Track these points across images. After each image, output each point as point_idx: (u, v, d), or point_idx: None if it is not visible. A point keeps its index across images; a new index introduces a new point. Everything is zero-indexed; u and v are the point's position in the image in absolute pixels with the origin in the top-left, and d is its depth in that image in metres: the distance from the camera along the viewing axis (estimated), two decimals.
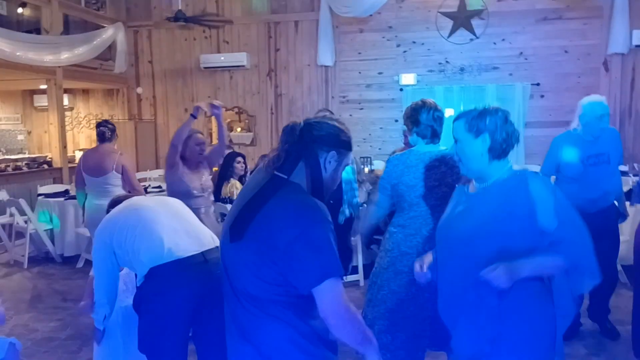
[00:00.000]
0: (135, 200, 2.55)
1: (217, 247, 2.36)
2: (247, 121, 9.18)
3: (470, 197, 1.93)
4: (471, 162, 1.88)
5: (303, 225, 1.47)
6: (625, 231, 4.94)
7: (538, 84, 7.93)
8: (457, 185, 2.10)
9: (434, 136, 2.81)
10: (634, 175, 6.58)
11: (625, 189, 5.59)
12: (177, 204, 2.58)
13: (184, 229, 2.39)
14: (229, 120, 9.38)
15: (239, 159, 5.69)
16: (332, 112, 1.70)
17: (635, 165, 7.31)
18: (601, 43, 7.74)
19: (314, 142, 1.58)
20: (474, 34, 8.11)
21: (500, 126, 1.85)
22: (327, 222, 1.50)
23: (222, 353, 2.38)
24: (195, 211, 3.58)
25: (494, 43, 8.08)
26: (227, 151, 6.88)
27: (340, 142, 1.62)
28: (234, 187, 5.49)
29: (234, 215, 1.59)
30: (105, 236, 2.37)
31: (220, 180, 5.67)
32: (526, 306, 1.79)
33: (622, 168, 7.16)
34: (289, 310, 1.52)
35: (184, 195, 3.53)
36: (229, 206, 5.30)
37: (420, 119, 2.79)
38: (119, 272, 2.46)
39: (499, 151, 1.85)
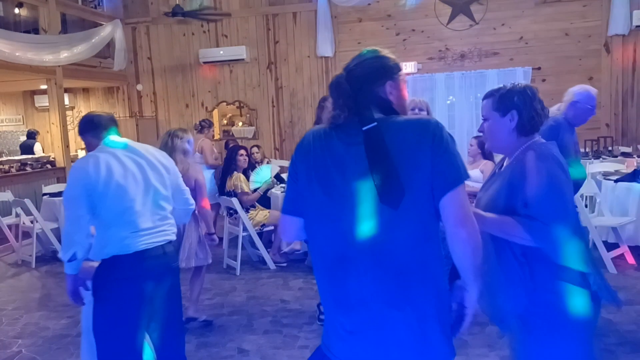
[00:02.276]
0: (128, 174, 2.43)
1: (171, 242, 2.49)
2: (248, 115, 9.17)
3: (500, 173, 1.98)
4: (498, 139, 1.93)
5: (430, 136, 1.42)
6: (632, 211, 4.94)
7: (539, 68, 7.90)
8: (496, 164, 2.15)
9: None
10: (638, 157, 6.57)
11: (629, 170, 5.59)
12: (158, 182, 2.50)
13: (151, 213, 2.42)
14: (230, 115, 9.39)
15: (242, 151, 5.70)
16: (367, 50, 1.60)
17: (639, 146, 7.29)
18: (601, 24, 7.70)
19: (367, 83, 1.50)
20: (474, 20, 8.08)
21: (528, 103, 1.87)
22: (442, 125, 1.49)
23: (177, 345, 2.55)
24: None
25: (494, 28, 8.05)
26: (231, 144, 6.90)
27: (390, 69, 1.54)
28: (238, 180, 5.50)
29: (367, 185, 1.41)
30: (98, 182, 2.33)
31: (224, 174, 5.68)
32: (558, 290, 1.78)
33: (625, 149, 7.18)
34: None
35: None
36: (234, 200, 5.32)
37: None
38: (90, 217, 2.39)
39: (527, 128, 1.88)
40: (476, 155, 4.89)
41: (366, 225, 1.42)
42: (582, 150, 7.16)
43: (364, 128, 1.44)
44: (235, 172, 5.57)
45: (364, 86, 1.49)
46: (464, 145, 7.61)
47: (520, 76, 7.83)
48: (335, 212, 1.46)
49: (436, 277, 1.46)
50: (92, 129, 2.53)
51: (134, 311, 2.34)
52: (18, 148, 10.21)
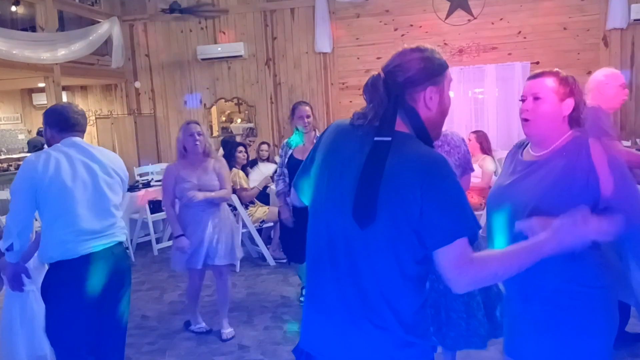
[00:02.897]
0: (72, 175, 2.43)
1: (120, 243, 2.54)
2: (247, 112, 9.16)
3: (529, 165, 1.83)
4: (546, 123, 1.77)
5: (431, 182, 1.31)
6: None
7: (537, 63, 7.88)
8: (508, 153, 2.01)
9: None
10: (637, 150, 6.57)
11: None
12: (109, 188, 2.53)
13: (98, 219, 2.45)
14: (228, 111, 9.37)
15: (240, 148, 5.70)
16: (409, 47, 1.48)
17: (638, 140, 7.30)
18: (600, 18, 7.69)
19: (405, 88, 1.39)
20: (472, 15, 8.06)
21: (581, 95, 1.79)
22: (454, 173, 1.38)
23: (121, 344, 2.61)
24: (196, 208, 3.65)
25: (492, 23, 8.03)
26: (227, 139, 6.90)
27: (434, 71, 1.42)
28: (237, 177, 5.50)
29: (350, 199, 1.35)
30: (44, 179, 2.35)
31: None
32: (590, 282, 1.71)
33: (625, 143, 7.18)
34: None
35: (187, 197, 3.64)
36: (233, 196, 5.31)
37: None
38: (34, 213, 2.46)
39: (577, 119, 1.79)
40: (475, 150, 4.89)
41: (338, 238, 1.39)
42: None
43: (376, 138, 1.36)
44: (234, 169, 5.57)
45: (401, 93, 1.38)
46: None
47: (518, 71, 7.83)
48: (324, 210, 1.44)
49: (401, 302, 1.37)
50: (57, 124, 2.52)
51: (83, 313, 2.40)
52: (16, 147, 10.19)
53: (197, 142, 3.63)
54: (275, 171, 6.35)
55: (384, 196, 1.31)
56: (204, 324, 3.91)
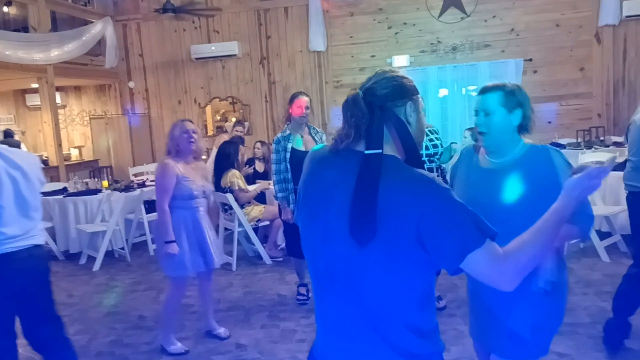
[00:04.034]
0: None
1: (38, 245, 2.66)
2: (241, 111, 9.15)
3: (488, 172, 1.97)
4: (501, 135, 1.92)
5: (428, 203, 1.28)
6: (624, 200, 4.98)
7: (531, 60, 7.93)
8: (462, 151, 2.15)
9: None
10: None
11: (621, 159, 5.63)
12: (30, 183, 2.65)
13: (19, 219, 2.58)
14: (223, 110, 9.36)
15: (242, 148, 5.79)
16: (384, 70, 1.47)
17: None
18: (592, 15, 7.74)
19: (385, 102, 1.39)
20: (465, 12, 8.09)
21: (529, 104, 1.93)
22: (447, 188, 1.34)
23: (53, 339, 2.80)
24: (195, 210, 3.49)
25: (485, 20, 8.06)
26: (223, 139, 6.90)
27: (409, 90, 1.43)
28: (234, 177, 5.50)
29: (346, 215, 1.32)
30: None
31: (220, 170, 5.67)
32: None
33: (617, 139, 7.22)
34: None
35: (187, 197, 3.43)
36: (229, 195, 5.32)
37: None
38: None
39: (526, 128, 1.93)
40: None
41: (339, 259, 1.37)
42: (574, 140, 7.21)
43: (367, 152, 1.33)
44: (231, 169, 5.56)
45: (385, 104, 1.38)
46: (457, 137, 7.64)
47: (512, 68, 7.86)
48: (317, 238, 1.43)
49: (407, 320, 1.37)
50: None
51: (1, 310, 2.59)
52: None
53: (193, 141, 3.46)
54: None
55: (380, 213, 1.29)
56: (180, 345, 3.60)
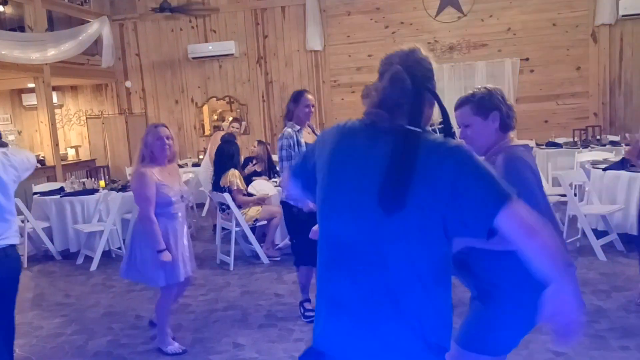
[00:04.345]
0: None
1: (13, 245, 2.76)
2: (238, 110, 9.15)
3: None
4: (485, 141, 1.98)
5: (457, 162, 1.34)
6: (620, 199, 5.00)
7: (527, 59, 7.95)
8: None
9: None
10: (626, 145, 6.63)
11: (617, 158, 5.65)
12: (4, 197, 2.74)
13: None
14: (220, 110, 9.36)
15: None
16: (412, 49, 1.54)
17: (627, 134, 7.36)
18: (588, 14, 7.76)
19: (426, 84, 1.46)
20: (462, 12, 8.10)
21: (503, 102, 1.97)
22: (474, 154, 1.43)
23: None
24: (173, 216, 3.38)
25: (482, 20, 8.08)
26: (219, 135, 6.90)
27: (433, 74, 1.53)
28: (234, 177, 5.51)
29: (377, 185, 1.36)
30: None
31: (220, 169, 5.67)
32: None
33: (614, 138, 7.24)
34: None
35: (166, 204, 3.33)
36: (226, 195, 5.31)
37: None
38: None
39: (509, 124, 1.98)
40: None
41: (364, 229, 1.38)
42: (570, 139, 7.23)
43: (408, 127, 1.38)
44: (231, 169, 5.56)
45: (422, 88, 1.44)
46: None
47: (508, 67, 7.88)
48: (339, 208, 1.43)
49: (432, 297, 1.39)
50: None
51: None
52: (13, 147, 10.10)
53: (167, 147, 3.35)
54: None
55: (412, 186, 1.33)
56: (177, 344, 3.57)
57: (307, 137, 3.89)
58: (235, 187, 5.47)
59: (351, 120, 1.54)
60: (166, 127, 3.43)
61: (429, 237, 1.36)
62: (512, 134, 2.02)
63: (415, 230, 1.35)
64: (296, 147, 3.74)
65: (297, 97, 3.86)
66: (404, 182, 1.33)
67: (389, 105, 1.42)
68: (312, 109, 3.87)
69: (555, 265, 1.32)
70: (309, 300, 3.95)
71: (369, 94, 1.56)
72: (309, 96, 3.86)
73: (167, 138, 3.35)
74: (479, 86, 2.02)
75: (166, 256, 3.28)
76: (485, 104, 1.96)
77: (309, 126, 3.99)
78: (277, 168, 3.93)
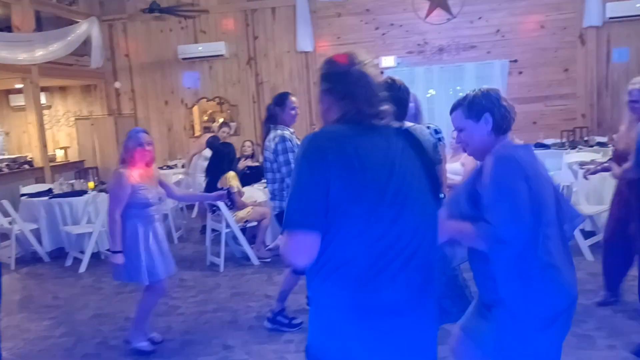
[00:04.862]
0: None
1: None
2: (229, 111, 9.13)
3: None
4: (479, 145, 1.96)
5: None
6: (607, 200, 5.04)
7: (516, 61, 8.01)
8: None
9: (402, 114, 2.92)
10: (613, 147, 6.69)
11: (604, 159, 5.70)
12: None
13: None
14: (210, 111, 9.33)
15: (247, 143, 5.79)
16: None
17: (614, 136, 7.43)
18: (576, 16, 7.83)
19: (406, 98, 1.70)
20: (451, 14, 8.15)
21: (497, 103, 1.93)
22: None
23: None
24: (150, 219, 3.43)
25: (471, 22, 8.12)
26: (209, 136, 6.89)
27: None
28: (234, 180, 5.54)
29: (419, 181, 1.52)
30: None
31: (216, 171, 5.68)
32: (513, 273, 1.82)
33: (601, 139, 7.32)
34: None
35: (143, 206, 3.39)
36: None
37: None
38: None
39: (503, 127, 1.93)
40: (457, 148, 4.94)
41: (408, 227, 1.45)
42: (558, 140, 7.29)
43: (404, 127, 1.59)
44: (230, 171, 5.59)
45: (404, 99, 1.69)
46: (446, 137, 7.68)
47: (497, 69, 7.93)
48: (387, 216, 1.40)
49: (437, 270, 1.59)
50: None
51: None
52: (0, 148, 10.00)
53: (147, 153, 3.43)
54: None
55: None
56: (147, 343, 3.60)
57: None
58: (236, 190, 5.50)
59: (331, 129, 1.49)
60: (147, 132, 3.54)
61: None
62: (511, 135, 1.99)
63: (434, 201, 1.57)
64: (292, 148, 3.59)
65: (282, 100, 3.70)
66: (436, 175, 1.57)
67: (389, 109, 1.59)
68: (297, 112, 3.78)
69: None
70: (285, 308, 3.82)
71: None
72: (294, 98, 3.76)
73: (148, 144, 3.46)
74: (475, 88, 1.99)
75: (118, 259, 3.34)
76: (476, 107, 1.93)
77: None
78: (268, 174, 3.73)
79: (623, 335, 3.35)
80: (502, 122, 1.92)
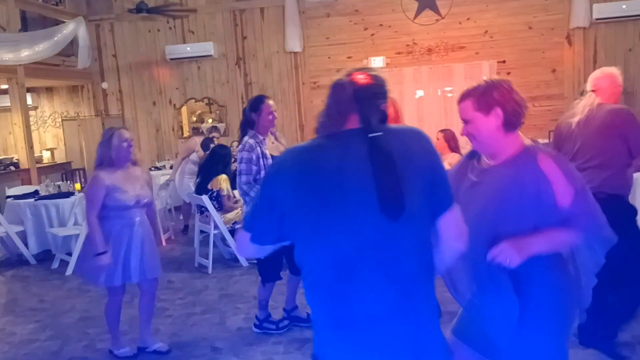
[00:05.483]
0: None
1: None
2: (218, 112, 9.09)
3: (484, 171, 1.89)
4: (487, 140, 1.83)
5: (429, 146, 1.50)
6: None
7: (504, 61, 8.05)
8: (460, 164, 2.04)
9: None
10: None
11: None
12: None
13: None
14: (199, 111, 9.28)
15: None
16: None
17: None
18: (563, 17, 7.89)
19: (375, 98, 1.52)
20: (440, 15, 8.17)
21: (508, 97, 1.80)
22: None
23: None
24: (129, 221, 3.32)
25: (460, 23, 8.16)
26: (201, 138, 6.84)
27: (387, 90, 1.61)
28: (225, 182, 5.54)
29: (370, 195, 1.38)
30: None
31: (209, 172, 5.66)
32: (543, 281, 1.77)
33: None
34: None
35: (120, 208, 3.29)
36: (204, 197, 5.27)
37: None
38: None
39: (514, 123, 1.81)
40: (443, 148, 4.96)
41: (369, 238, 1.38)
42: (546, 140, 7.34)
43: (370, 135, 1.41)
44: (223, 174, 5.57)
45: (372, 99, 1.49)
46: (433, 138, 7.72)
47: (485, 70, 7.97)
48: (334, 227, 1.40)
49: (433, 284, 1.50)
50: None
51: None
52: None
53: (130, 151, 3.33)
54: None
55: (402, 180, 1.39)
56: (128, 348, 3.56)
57: (270, 147, 3.62)
58: (225, 193, 5.48)
59: (296, 147, 1.53)
60: (127, 129, 3.43)
61: (426, 212, 1.44)
62: (520, 133, 1.86)
63: (418, 228, 1.42)
64: (261, 159, 3.51)
65: (257, 105, 3.55)
66: (396, 188, 1.37)
67: (335, 116, 1.49)
68: (275, 115, 3.60)
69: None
70: (270, 314, 3.80)
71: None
72: (270, 102, 3.57)
73: (130, 143, 3.34)
74: (485, 77, 1.86)
75: (104, 259, 3.21)
76: (487, 99, 1.79)
77: (272, 134, 3.72)
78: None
79: None
80: (513, 118, 1.79)
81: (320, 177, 1.42)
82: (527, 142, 1.86)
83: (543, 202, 1.73)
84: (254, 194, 3.52)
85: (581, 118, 3.12)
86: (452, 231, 1.49)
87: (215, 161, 5.71)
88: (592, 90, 3.15)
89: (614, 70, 3.21)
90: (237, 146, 6.68)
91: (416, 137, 1.48)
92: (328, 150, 1.44)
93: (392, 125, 1.52)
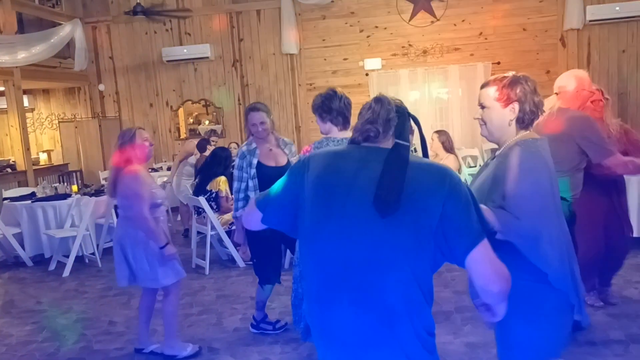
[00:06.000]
0: None
1: None
2: (214, 113, 9.12)
3: (489, 160, 1.99)
4: (496, 129, 1.90)
5: (451, 187, 1.40)
6: None
7: (498, 63, 8.10)
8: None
9: (346, 122, 2.95)
10: None
11: None
12: None
13: None
14: (196, 113, 9.30)
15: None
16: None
17: None
18: (557, 19, 7.95)
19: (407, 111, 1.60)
20: (435, 16, 8.22)
21: (529, 97, 1.84)
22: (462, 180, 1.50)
23: None
24: (157, 220, 3.30)
25: (454, 24, 8.21)
26: (196, 138, 6.86)
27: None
28: (225, 184, 5.56)
29: (369, 197, 1.39)
30: None
31: (209, 175, 5.68)
32: (531, 269, 1.79)
33: None
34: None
35: (154, 206, 3.28)
36: (201, 199, 5.29)
37: (333, 106, 2.91)
38: None
39: (526, 121, 1.86)
40: (438, 149, 5.01)
41: (360, 244, 1.39)
42: None
43: (397, 140, 1.48)
44: (222, 176, 5.60)
45: (404, 110, 1.59)
46: (428, 139, 7.76)
47: (480, 71, 8.02)
48: (332, 235, 1.42)
49: (421, 317, 1.43)
50: None
51: None
52: None
53: (151, 150, 3.38)
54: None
55: (405, 199, 1.37)
56: (191, 344, 3.57)
57: (266, 155, 3.60)
58: (224, 195, 5.51)
59: (330, 149, 1.62)
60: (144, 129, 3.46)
61: (422, 249, 1.39)
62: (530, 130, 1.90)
63: (411, 240, 1.38)
64: (248, 168, 3.55)
65: (245, 114, 3.63)
66: (396, 186, 1.37)
67: (379, 121, 1.51)
68: (262, 126, 3.55)
69: (502, 301, 1.45)
70: (267, 315, 3.83)
71: (360, 112, 1.60)
72: (255, 114, 3.55)
73: (148, 140, 3.36)
74: (513, 72, 1.90)
75: (170, 249, 3.24)
76: (509, 93, 1.84)
77: (276, 140, 3.71)
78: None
79: (602, 331, 3.41)
80: (527, 117, 1.85)
81: (332, 185, 1.47)
82: (535, 135, 1.89)
83: (503, 187, 1.79)
84: (242, 204, 3.58)
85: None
86: (482, 272, 1.39)
87: (215, 163, 5.74)
88: (556, 93, 3.16)
89: (582, 74, 3.21)
90: (235, 148, 6.75)
91: (435, 176, 1.43)
92: (348, 160, 1.51)
93: (418, 155, 1.54)
